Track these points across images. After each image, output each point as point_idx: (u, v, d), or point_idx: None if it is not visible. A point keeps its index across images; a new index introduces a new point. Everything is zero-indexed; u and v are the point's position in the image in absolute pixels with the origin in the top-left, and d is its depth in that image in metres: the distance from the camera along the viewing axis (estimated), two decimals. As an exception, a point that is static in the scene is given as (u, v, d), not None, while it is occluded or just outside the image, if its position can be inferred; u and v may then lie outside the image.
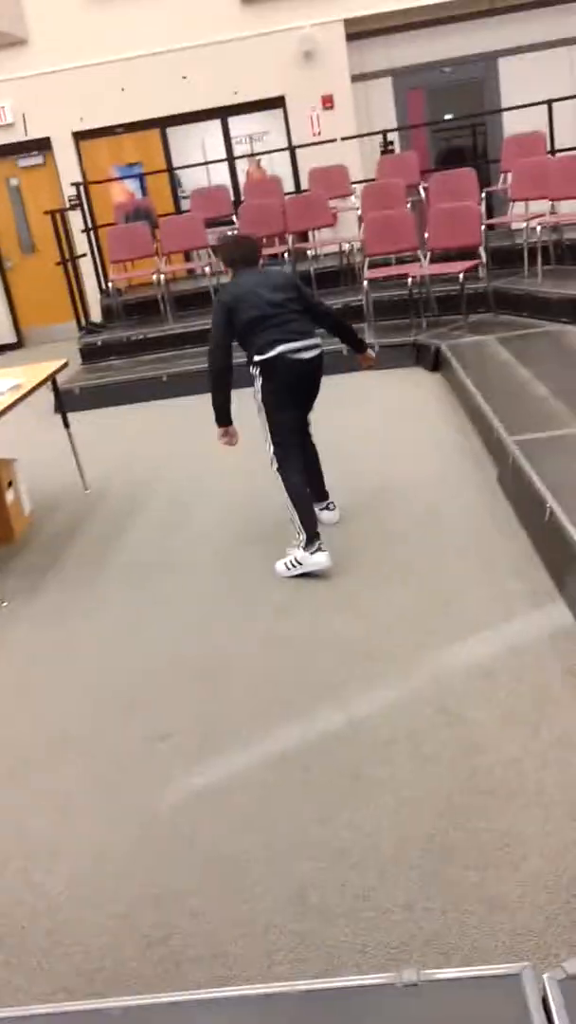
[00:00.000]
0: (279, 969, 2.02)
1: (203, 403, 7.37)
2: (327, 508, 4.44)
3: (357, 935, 2.07)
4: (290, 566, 3.94)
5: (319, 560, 3.89)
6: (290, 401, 4.10)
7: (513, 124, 10.07)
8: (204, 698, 3.15)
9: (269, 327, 3.94)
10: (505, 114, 10.59)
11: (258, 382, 4.06)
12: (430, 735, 2.73)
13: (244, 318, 3.95)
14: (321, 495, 4.40)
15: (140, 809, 2.63)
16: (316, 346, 4.01)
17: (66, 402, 5.82)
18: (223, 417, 4.17)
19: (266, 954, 2.06)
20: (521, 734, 2.66)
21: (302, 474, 4.09)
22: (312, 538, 3.90)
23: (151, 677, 3.34)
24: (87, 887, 2.36)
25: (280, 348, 3.93)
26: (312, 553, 3.89)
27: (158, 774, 2.77)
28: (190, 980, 2.03)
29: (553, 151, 8.86)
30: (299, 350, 3.96)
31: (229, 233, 4.26)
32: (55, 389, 5.55)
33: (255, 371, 4.04)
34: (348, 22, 10.46)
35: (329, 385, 7.09)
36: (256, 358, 3.99)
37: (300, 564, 3.92)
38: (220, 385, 4.13)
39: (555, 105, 9.01)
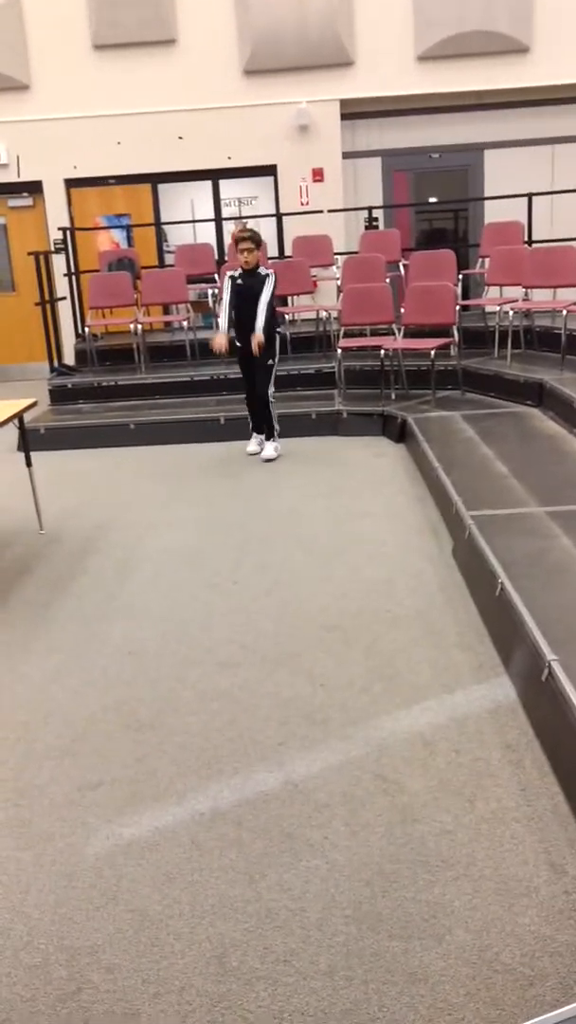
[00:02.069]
0: (191, 1031, 1.96)
1: (168, 452, 7.42)
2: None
3: (275, 1000, 2.02)
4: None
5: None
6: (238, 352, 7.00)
7: (494, 212, 10.44)
8: (140, 748, 3.10)
9: (238, 319, 6.76)
10: (487, 202, 10.97)
11: None
12: (366, 801, 2.70)
13: (232, 305, 6.79)
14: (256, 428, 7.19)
15: (64, 858, 2.56)
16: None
17: (30, 441, 5.81)
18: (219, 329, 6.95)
19: (179, 1016, 2.00)
20: (456, 805, 2.64)
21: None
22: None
23: (88, 724, 3.29)
24: (1, 936, 2.28)
25: (233, 332, 6.86)
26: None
27: (85, 823, 2.71)
28: (98, 1037, 1.96)
29: (530, 241, 9.18)
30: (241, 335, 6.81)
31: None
32: (21, 427, 5.54)
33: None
34: (344, 102, 10.85)
35: (292, 448, 7.18)
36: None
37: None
38: (220, 323, 6.93)
39: (534, 199, 9.37)
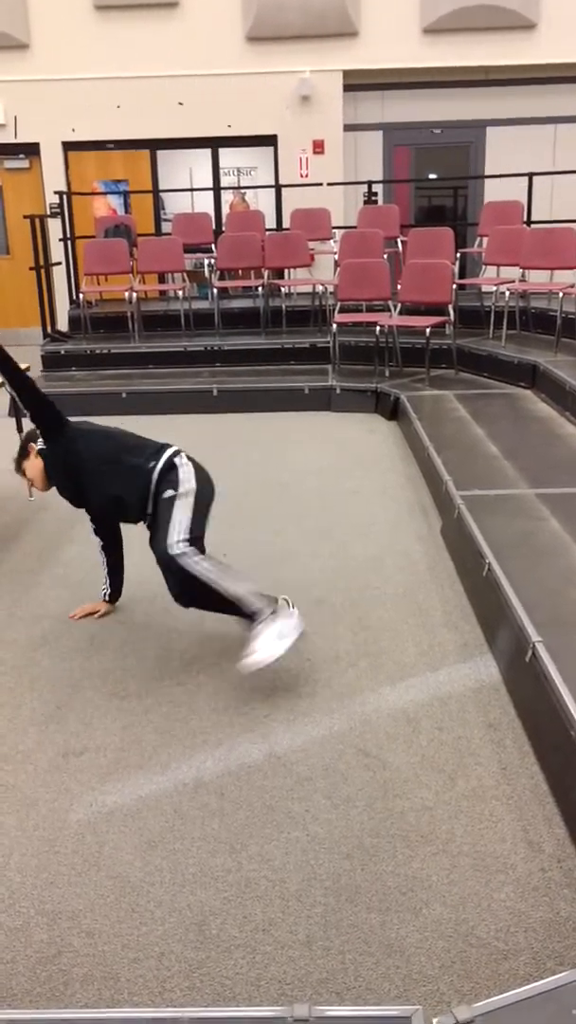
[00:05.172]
0: (170, 996, 1.99)
1: (158, 424, 7.38)
2: None
3: (253, 968, 2.05)
4: None
5: None
6: None
7: (494, 191, 10.38)
8: (125, 716, 3.11)
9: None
10: (487, 180, 10.90)
11: None
12: (348, 775, 2.73)
13: None
14: None
15: (47, 824, 2.58)
16: None
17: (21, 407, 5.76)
18: None
19: (158, 980, 2.03)
20: (437, 782, 2.67)
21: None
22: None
23: (74, 691, 3.30)
24: (-17, 896, 2.31)
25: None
26: None
27: (69, 790, 2.73)
28: (77, 1000, 1.98)
29: (529, 222, 9.13)
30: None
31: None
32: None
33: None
34: (347, 73, 10.73)
35: (284, 422, 7.16)
36: None
37: None
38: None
39: (535, 179, 9.31)
